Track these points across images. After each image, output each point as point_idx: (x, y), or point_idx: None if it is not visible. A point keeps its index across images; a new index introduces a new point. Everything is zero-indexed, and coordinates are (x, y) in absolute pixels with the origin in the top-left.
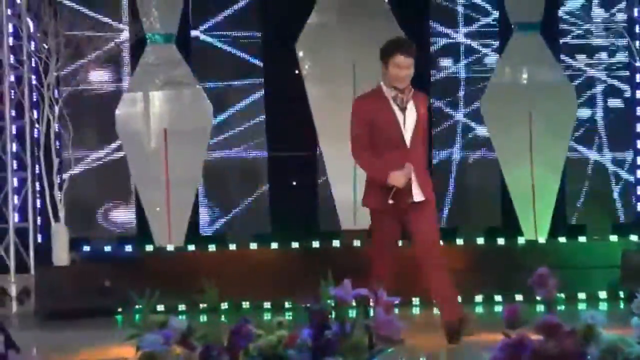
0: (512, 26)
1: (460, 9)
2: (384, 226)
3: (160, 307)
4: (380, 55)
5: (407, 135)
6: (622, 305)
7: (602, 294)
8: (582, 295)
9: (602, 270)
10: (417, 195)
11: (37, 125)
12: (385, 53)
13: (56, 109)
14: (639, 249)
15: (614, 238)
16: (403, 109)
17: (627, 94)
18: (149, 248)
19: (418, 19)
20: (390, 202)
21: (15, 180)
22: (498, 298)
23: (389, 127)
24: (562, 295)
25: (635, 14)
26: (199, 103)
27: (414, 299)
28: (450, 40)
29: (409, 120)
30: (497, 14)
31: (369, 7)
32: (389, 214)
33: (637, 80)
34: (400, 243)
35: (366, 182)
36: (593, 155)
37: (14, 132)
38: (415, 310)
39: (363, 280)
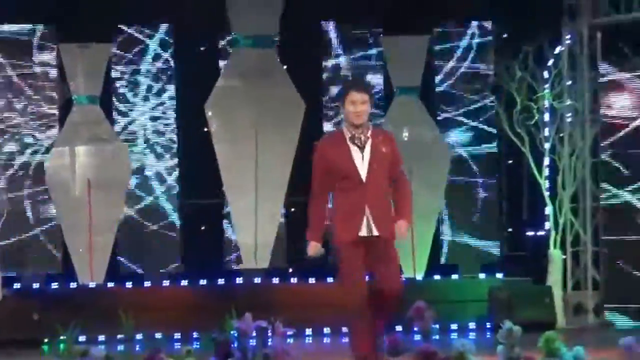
0: (395, 90)
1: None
2: (354, 256)
3: (82, 338)
4: (338, 99)
5: (364, 173)
6: (488, 335)
7: (472, 325)
8: (454, 326)
9: (472, 304)
10: (370, 230)
11: None
12: (340, 94)
13: None
14: (503, 285)
15: (482, 276)
16: (361, 148)
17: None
18: (73, 285)
19: (313, 83)
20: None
21: None
22: None
23: (346, 167)
24: (437, 326)
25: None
26: (120, 158)
27: (307, 329)
28: None
29: (367, 158)
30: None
31: (269, 72)
32: (359, 246)
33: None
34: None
35: (331, 221)
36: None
37: None
38: (308, 340)
39: (262, 313)
